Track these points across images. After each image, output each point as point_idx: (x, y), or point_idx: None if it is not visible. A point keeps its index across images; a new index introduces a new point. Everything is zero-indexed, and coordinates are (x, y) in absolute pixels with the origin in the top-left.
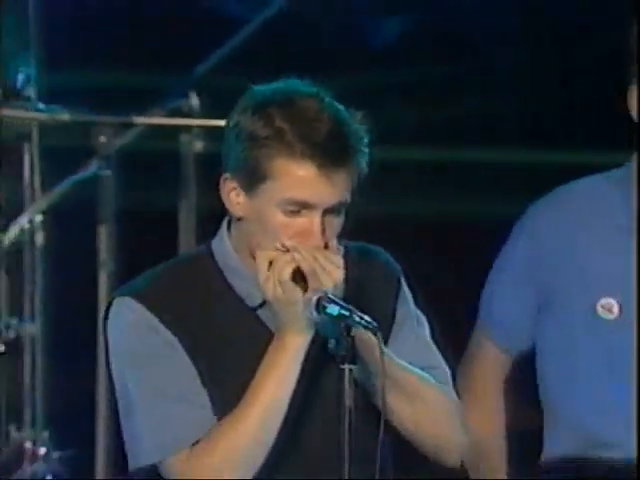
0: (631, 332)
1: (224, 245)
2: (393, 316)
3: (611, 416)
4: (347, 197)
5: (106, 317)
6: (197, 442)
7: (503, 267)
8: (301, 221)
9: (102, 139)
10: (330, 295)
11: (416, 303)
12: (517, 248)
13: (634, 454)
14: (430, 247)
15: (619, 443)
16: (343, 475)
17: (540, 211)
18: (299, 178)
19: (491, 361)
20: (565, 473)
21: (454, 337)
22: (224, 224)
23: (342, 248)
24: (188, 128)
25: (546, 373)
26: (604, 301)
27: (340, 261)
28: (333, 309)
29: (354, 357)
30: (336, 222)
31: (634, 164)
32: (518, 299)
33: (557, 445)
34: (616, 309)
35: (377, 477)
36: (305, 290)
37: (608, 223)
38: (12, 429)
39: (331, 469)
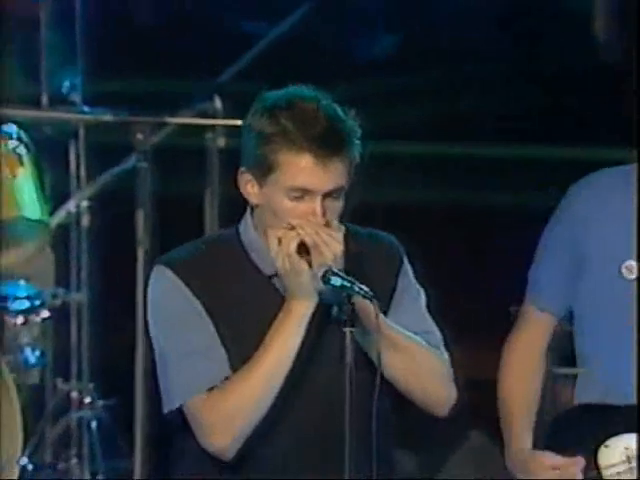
0: None
1: (247, 227)
2: (394, 289)
3: (630, 372)
4: (343, 183)
5: (148, 281)
6: (212, 390)
7: (545, 241)
8: (304, 205)
9: (139, 136)
10: (334, 269)
11: (416, 278)
12: (556, 224)
13: None
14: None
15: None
16: (345, 423)
17: (575, 192)
18: (300, 168)
19: (536, 325)
20: (590, 419)
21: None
22: (248, 210)
23: (343, 228)
24: (212, 127)
25: (579, 332)
26: (627, 263)
27: (339, 237)
28: (336, 280)
29: (354, 321)
30: (335, 205)
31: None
32: (557, 267)
33: (585, 396)
34: (636, 270)
35: (374, 426)
36: (309, 262)
37: (628, 201)
38: (59, 382)
39: (333, 418)
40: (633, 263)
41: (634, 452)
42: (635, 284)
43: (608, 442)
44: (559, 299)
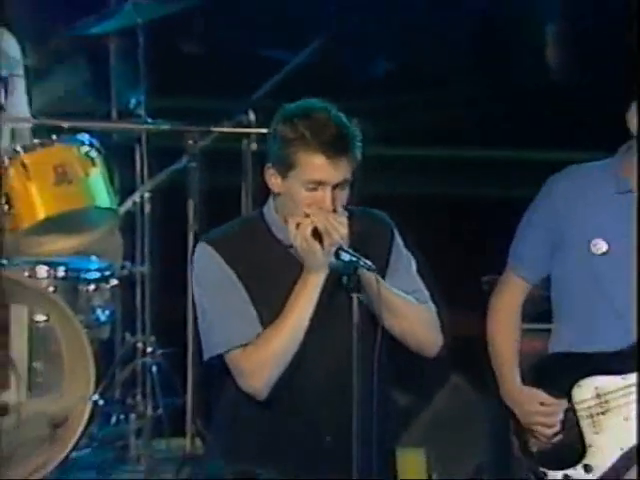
0: (615, 265)
1: (270, 209)
2: (389, 258)
3: (597, 327)
4: (348, 177)
5: (193, 255)
6: (247, 344)
7: (527, 221)
8: (318, 194)
9: (190, 142)
10: (343, 247)
11: (407, 247)
12: (537, 207)
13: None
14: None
15: (605, 340)
16: (353, 368)
17: (555, 181)
18: (315, 166)
19: (515, 288)
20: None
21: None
22: (271, 197)
23: (347, 212)
24: (247, 135)
25: (555, 296)
26: (595, 241)
27: (344, 221)
28: (345, 256)
29: (359, 288)
30: (342, 195)
31: (619, 156)
32: (537, 242)
33: (558, 347)
34: (605, 247)
35: (375, 369)
36: (321, 242)
37: (601, 190)
38: (127, 335)
39: (342, 364)
40: (601, 241)
41: (603, 390)
42: (602, 259)
43: (581, 382)
44: (535, 269)
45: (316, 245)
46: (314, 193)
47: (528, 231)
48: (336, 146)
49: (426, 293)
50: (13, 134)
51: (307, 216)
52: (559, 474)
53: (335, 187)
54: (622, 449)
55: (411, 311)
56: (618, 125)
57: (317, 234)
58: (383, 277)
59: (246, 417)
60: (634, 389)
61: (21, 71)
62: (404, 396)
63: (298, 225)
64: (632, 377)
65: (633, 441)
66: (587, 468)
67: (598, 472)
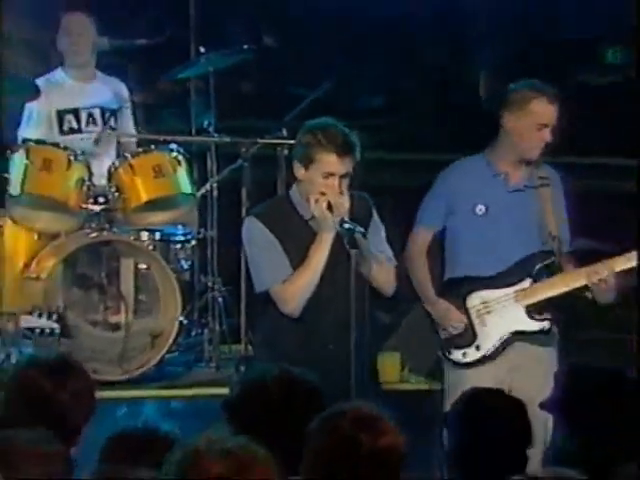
0: (491, 222)
1: (294, 192)
2: (368, 225)
3: (478, 262)
4: (350, 171)
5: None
6: (284, 282)
7: (430, 194)
8: (330, 181)
9: (243, 150)
10: (345, 218)
11: (381, 220)
12: (437, 185)
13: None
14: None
15: (485, 269)
16: (350, 297)
17: (450, 168)
18: (329, 162)
19: (422, 236)
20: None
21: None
22: (294, 184)
23: (348, 194)
24: (281, 144)
25: (448, 245)
26: (477, 206)
27: (347, 200)
28: (346, 224)
29: (355, 246)
30: (345, 182)
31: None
32: (436, 206)
33: (451, 274)
34: (484, 210)
35: (366, 296)
36: (332, 213)
37: (480, 173)
38: (202, 277)
39: (343, 294)
40: (481, 206)
41: (486, 299)
42: (483, 219)
43: (472, 295)
44: (434, 222)
45: (329, 215)
46: (327, 180)
47: (430, 199)
48: (343, 148)
49: (389, 252)
50: (118, 148)
51: (323, 194)
52: (460, 352)
53: (341, 177)
54: (501, 336)
55: (383, 263)
56: None
57: (329, 208)
58: (365, 234)
59: (280, 331)
60: (506, 297)
61: (128, 104)
62: (386, 315)
63: (317, 200)
64: (504, 290)
65: (509, 330)
66: (477, 347)
67: (483, 350)
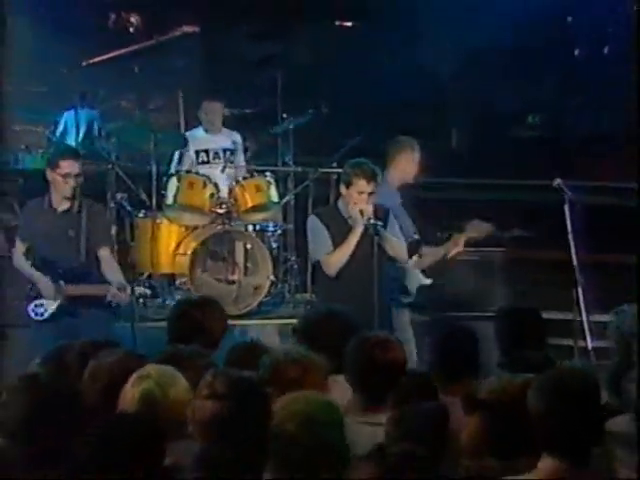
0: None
1: (340, 203)
2: (387, 222)
3: None
4: (374, 189)
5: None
6: (328, 255)
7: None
8: (362, 197)
9: (310, 175)
10: (370, 218)
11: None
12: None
13: None
14: None
15: None
16: (374, 270)
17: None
18: (360, 185)
19: None
20: None
21: None
22: (340, 198)
23: (373, 205)
24: (332, 173)
25: None
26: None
27: (371, 208)
28: (371, 221)
29: (377, 233)
30: (372, 197)
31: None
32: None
33: None
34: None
35: (383, 267)
36: (362, 215)
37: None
38: (284, 252)
39: (369, 268)
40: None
41: None
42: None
43: None
44: None
45: (359, 216)
46: (359, 196)
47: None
48: (369, 177)
49: (401, 236)
50: (235, 174)
51: (356, 204)
52: None
53: (369, 194)
54: None
55: (393, 243)
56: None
57: (360, 212)
58: (385, 227)
59: (328, 285)
60: None
61: (240, 146)
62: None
63: (353, 208)
64: None
65: None
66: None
67: None
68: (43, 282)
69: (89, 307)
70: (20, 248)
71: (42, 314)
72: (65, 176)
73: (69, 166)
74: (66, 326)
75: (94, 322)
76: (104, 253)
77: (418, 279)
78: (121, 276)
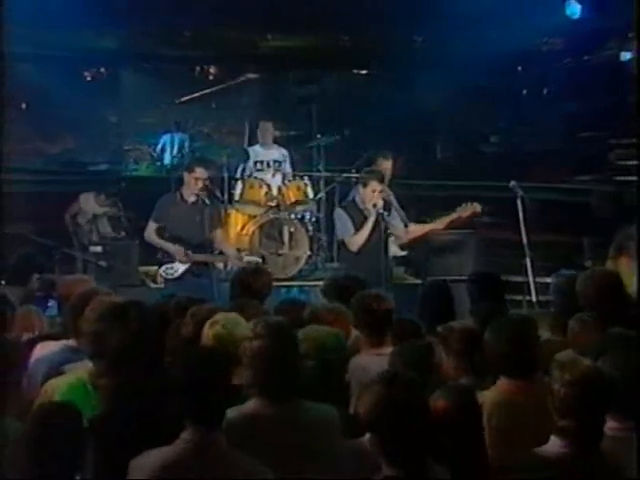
0: None
1: (357, 198)
2: (390, 212)
3: None
4: (386, 188)
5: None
6: (350, 236)
7: None
8: (376, 194)
9: (336, 178)
10: (380, 209)
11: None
12: None
13: None
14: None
15: None
16: (381, 247)
17: None
18: (374, 185)
19: None
20: None
21: None
22: (358, 193)
23: (382, 200)
24: (353, 177)
25: None
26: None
27: (382, 202)
28: (380, 211)
29: (384, 220)
30: (382, 194)
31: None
32: None
33: None
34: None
35: (388, 252)
36: (375, 207)
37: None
38: (317, 233)
39: (379, 246)
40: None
41: None
42: None
43: None
44: None
45: (372, 208)
46: (373, 194)
47: None
48: (380, 179)
49: (400, 224)
50: (282, 177)
51: (370, 199)
52: None
53: (379, 192)
54: None
55: (396, 227)
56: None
57: (373, 205)
58: (389, 215)
59: (350, 258)
60: None
61: (287, 158)
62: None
63: (368, 202)
64: None
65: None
66: None
67: None
68: (178, 250)
69: (200, 271)
70: (152, 226)
71: (172, 274)
72: (197, 178)
73: (201, 172)
74: (190, 283)
75: (206, 281)
76: (218, 233)
77: (394, 250)
78: (234, 249)
